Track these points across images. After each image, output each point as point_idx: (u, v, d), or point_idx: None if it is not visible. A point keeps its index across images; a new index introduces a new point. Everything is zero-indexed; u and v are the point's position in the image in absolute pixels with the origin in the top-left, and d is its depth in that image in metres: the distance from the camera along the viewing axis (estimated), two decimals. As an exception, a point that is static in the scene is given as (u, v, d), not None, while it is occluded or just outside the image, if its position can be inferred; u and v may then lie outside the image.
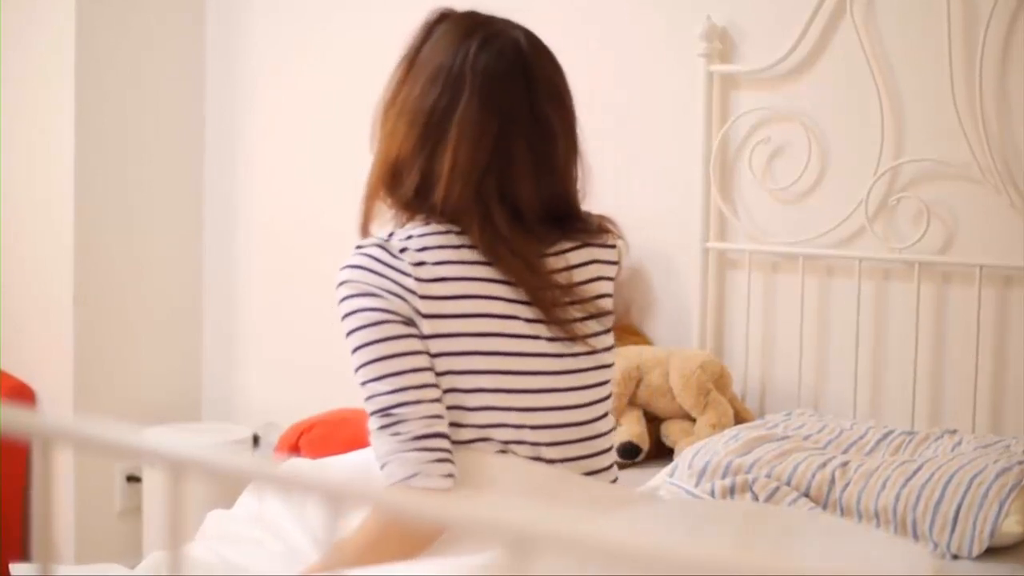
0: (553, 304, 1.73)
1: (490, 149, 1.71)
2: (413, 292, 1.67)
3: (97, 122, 3.48)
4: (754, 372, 2.93)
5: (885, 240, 2.78)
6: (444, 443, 1.66)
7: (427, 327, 1.67)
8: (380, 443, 1.67)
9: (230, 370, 3.72)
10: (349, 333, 1.69)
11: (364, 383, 1.68)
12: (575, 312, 1.76)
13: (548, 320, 1.74)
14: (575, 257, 1.79)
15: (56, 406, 3.47)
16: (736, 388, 2.89)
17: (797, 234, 2.87)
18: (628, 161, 3.05)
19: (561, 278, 1.76)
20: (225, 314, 3.72)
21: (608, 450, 1.83)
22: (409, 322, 1.67)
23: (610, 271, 1.84)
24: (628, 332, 2.97)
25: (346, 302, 1.69)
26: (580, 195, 1.82)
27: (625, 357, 2.78)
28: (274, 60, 3.62)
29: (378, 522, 1.64)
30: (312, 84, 3.56)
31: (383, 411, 1.66)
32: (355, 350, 1.69)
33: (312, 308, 3.53)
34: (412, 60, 1.79)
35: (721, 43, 2.94)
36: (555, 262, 1.77)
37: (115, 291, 3.55)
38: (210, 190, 3.72)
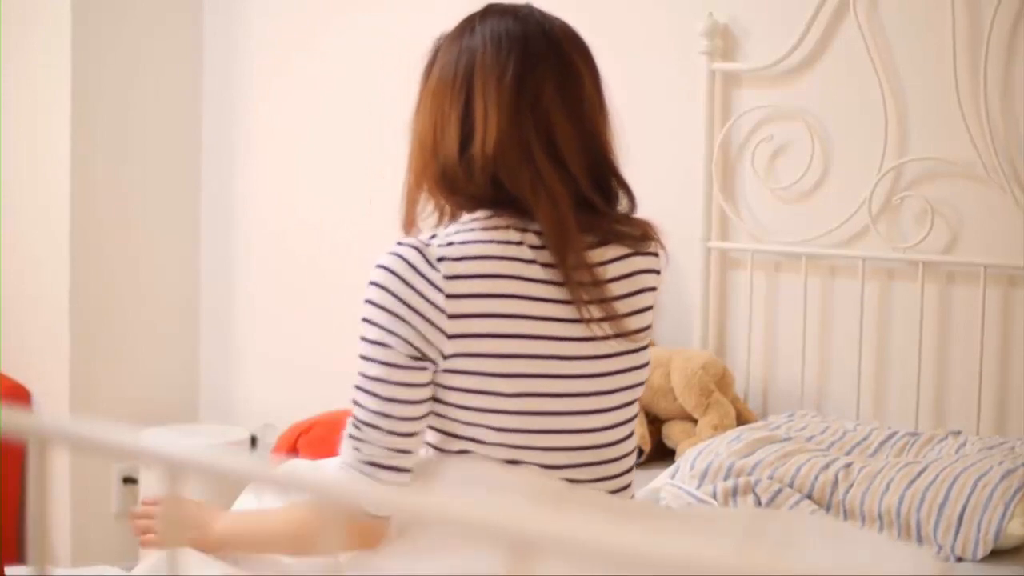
0: (581, 284, 1.67)
1: (516, 87, 1.68)
2: (441, 310, 1.63)
3: (94, 123, 3.47)
4: (756, 373, 2.92)
5: (888, 239, 2.76)
6: (396, 476, 1.66)
7: (449, 347, 1.64)
8: (344, 446, 1.69)
9: (227, 371, 3.70)
10: (361, 336, 1.67)
11: (355, 386, 1.67)
12: (610, 328, 1.70)
13: (583, 337, 1.69)
14: (620, 268, 1.74)
15: (52, 407, 3.46)
16: (738, 389, 2.87)
17: (800, 233, 2.85)
18: (629, 160, 3.02)
19: (603, 290, 1.71)
20: (222, 315, 3.71)
21: (629, 469, 1.80)
22: (419, 356, 1.64)
23: (654, 281, 1.79)
24: (629, 332, 2.96)
25: (368, 308, 1.66)
26: (616, 158, 1.78)
27: (626, 357, 2.77)
28: (272, 60, 3.60)
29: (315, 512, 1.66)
30: (310, 84, 3.54)
31: (357, 422, 1.67)
32: (360, 354, 1.67)
33: (310, 309, 3.52)
34: (427, 74, 1.77)
35: (723, 40, 2.93)
36: (602, 272, 1.72)
37: (112, 291, 3.54)
38: (207, 190, 3.71)
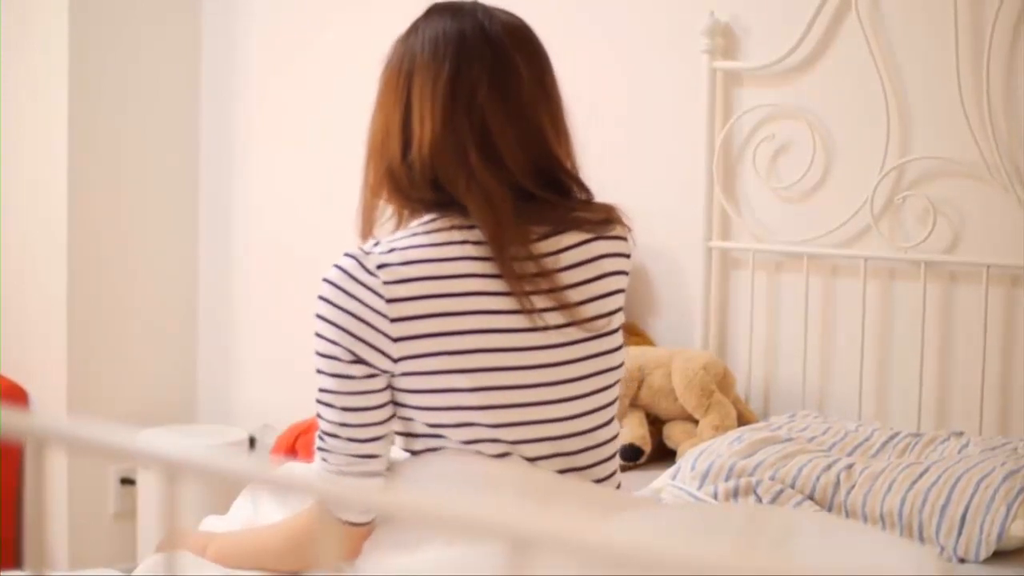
0: (523, 277, 1.67)
1: (450, 89, 1.69)
2: (383, 315, 1.64)
3: (91, 123, 3.46)
4: (758, 373, 2.91)
5: (891, 239, 2.75)
6: (366, 482, 1.68)
7: (396, 351, 1.65)
8: (315, 456, 1.72)
9: (226, 372, 3.69)
10: (314, 349, 1.71)
11: (316, 399, 1.71)
12: (563, 317, 1.71)
13: (531, 328, 1.69)
14: (578, 255, 1.74)
15: (50, 407, 3.45)
16: (739, 389, 2.86)
17: (801, 233, 2.84)
18: (630, 159, 3.03)
19: (561, 277, 1.71)
20: (221, 315, 3.70)
21: (611, 457, 1.79)
22: (362, 362, 1.66)
23: (622, 264, 1.79)
24: (630, 332, 2.95)
25: (316, 322, 1.70)
26: (570, 157, 1.77)
27: (627, 358, 2.75)
28: (270, 60, 3.60)
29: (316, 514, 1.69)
30: (309, 84, 3.53)
31: (322, 433, 1.70)
32: (315, 367, 1.71)
33: (308, 309, 3.50)
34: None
35: (724, 39, 2.92)
36: (554, 262, 1.72)
37: (109, 292, 3.53)
38: (205, 191, 3.70)
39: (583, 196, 1.77)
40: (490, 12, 1.76)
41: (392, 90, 1.73)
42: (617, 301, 1.77)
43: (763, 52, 2.87)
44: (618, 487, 1.83)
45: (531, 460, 1.70)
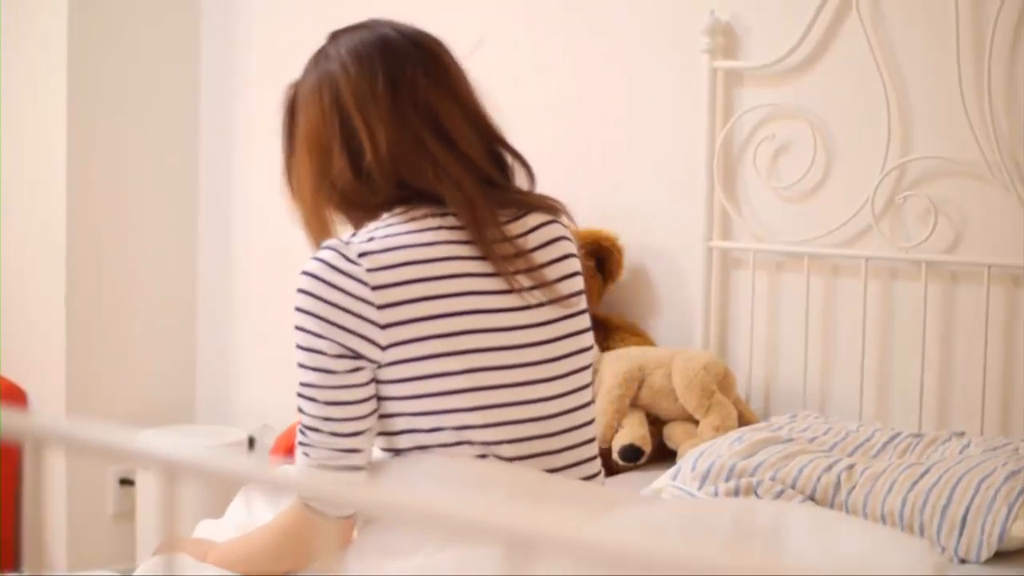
0: (504, 258, 1.71)
1: (391, 90, 1.72)
2: (369, 303, 1.65)
3: (90, 124, 3.46)
4: (758, 373, 2.90)
5: (892, 239, 2.75)
6: (348, 477, 1.68)
7: (385, 338, 1.66)
8: (296, 452, 1.72)
9: (225, 372, 3.69)
10: (295, 343, 1.71)
11: (297, 393, 1.71)
12: (543, 295, 1.74)
13: (518, 307, 1.72)
14: (542, 235, 1.78)
15: (48, 408, 3.44)
16: (740, 389, 2.86)
17: (802, 233, 2.84)
18: (630, 159, 3.02)
19: (528, 259, 1.75)
20: (220, 315, 3.69)
21: (590, 441, 1.81)
22: (350, 355, 1.66)
23: (576, 250, 1.83)
24: (630, 333, 2.94)
25: (297, 315, 1.70)
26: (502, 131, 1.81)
27: (627, 358, 2.75)
28: (270, 61, 3.59)
29: (296, 513, 1.72)
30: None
31: (303, 427, 1.70)
32: (296, 362, 1.71)
33: (309, 309, 3.50)
34: (290, 124, 1.87)
35: (725, 38, 2.91)
36: (525, 242, 1.75)
37: (108, 292, 3.53)
38: (205, 190, 3.69)
39: (526, 173, 1.81)
40: (395, 22, 1.81)
41: (320, 124, 1.76)
42: (580, 283, 1.82)
43: (764, 51, 2.87)
44: (598, 474, 1.83)
45: (516, 441, 1.72)
